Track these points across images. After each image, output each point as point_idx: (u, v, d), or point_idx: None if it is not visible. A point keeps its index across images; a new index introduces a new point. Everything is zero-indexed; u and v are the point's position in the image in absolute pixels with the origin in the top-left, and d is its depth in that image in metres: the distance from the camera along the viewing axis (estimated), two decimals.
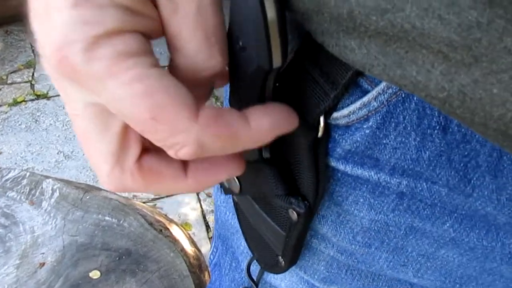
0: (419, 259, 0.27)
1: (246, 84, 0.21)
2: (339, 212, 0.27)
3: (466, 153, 0.21)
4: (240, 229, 0.35)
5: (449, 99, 0.16)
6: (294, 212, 0.26)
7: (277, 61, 0.19)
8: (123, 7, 0.17)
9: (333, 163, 0.25)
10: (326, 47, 0.19)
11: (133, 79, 0.17)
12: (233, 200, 0.34)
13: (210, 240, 1.54)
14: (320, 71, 0.21)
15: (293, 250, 0.29)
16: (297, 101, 0.22)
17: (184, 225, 1.54)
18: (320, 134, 0.23)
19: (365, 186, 0.25)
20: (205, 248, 1.50)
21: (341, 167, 0.25)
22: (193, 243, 1.03)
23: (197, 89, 0.20)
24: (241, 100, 0.22)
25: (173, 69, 0.20)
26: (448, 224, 0.24)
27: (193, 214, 1.62)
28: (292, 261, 0.31)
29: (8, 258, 0.81)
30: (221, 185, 0.30)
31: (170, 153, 0.19)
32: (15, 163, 1.75)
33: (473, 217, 0.24)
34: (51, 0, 0.17)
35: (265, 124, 0.20)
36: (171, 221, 1.03)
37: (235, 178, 0.28)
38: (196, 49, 0.19)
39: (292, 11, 0.19)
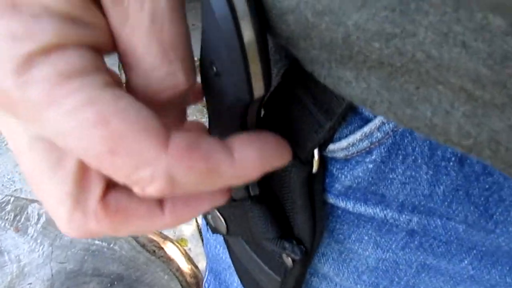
0: None
1: (224, 114, 0.18)
2: (341, 250, 0.24)
3: (487, 186, 0.19)
4: (232, 265, 0.32)
5: (477, 147, 0.13)
6: (289, 258, 0.23)
7: (258, 91, 0.16)
8: (61, 16, 0.14)
9: (332, 200, 0.22)
10: (317, 78, 0.16)
11: (80, 104, 0.14)
12: (224, 238, 0.31)
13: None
14: (313, 98, 0.18)
15: None
16: (286, 132, 0.19)
17: (180, 241, 1.51)
18: (315, 169, 0.20)
19: (370, 224, 0.22)
20: (202, 264, 1.46)
21: (341, 204, 0.22)
22: (189, 259, 1.00)
23: (166, 111, 0.16)
24: (220, 128, 0.19)
25: (131, 90, 0.16)
26: (466, 262, 0.22)
27: (188, 229, 1.59)
28: None
29: None
30: (207, 223, 0.27)
31: (136, 190, 0.15)
32: (2, 185, 1.70)
33: (495, 253, 0.21)
34: None
35: (252, 156, 0.16)
36: (165, 238, 1.00)
37: (221, 217, 0.25)
38: (151, 66, 0.15)
39: (274, 35, 0.16)
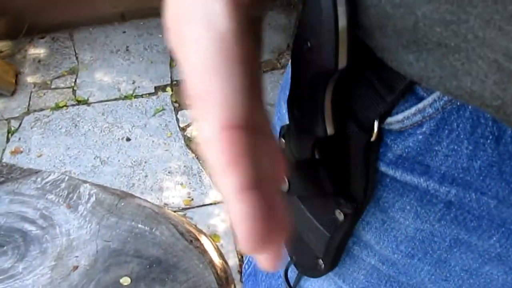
0: (462, 274, 0.26)
1: (308, 84, 0.22)
2: (384, 219, 0.27)
3: None
4: None
5: (503, 106, 0.17)
6: (341, 213, 0.26)
7: (342, 63, 0.20)
8: None
9: (383, 168, 0.25)
10: (385, 62, 0.20)
11: (197, 60, 0.18)
12: None
13: (237, 253, 1.54)
14: (378, 77, 0.22)
15: (335, 252, 0.29)
16: (353, 103, 0.23)
17: (213, 237, 1.55)
18: (373, 138, 0.23)
19: (413, 193, 0.25)
20: (232, 260, 1.49)
21: (390, 172, 0.25)
22: (221, 255, 1.03)
23: None
24: (300, 100, 0.23)
25: None
26: (494, 238, 0.24)
27: (222, 226, 1.62)
28: (332, 265, 0.31)
29: (43, 259, 0.83)
30: None
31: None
32: (54, 166, 1.81)
33: None
34: None
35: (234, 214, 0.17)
36: (200, 231, 1.04)
37: (284, 177, 0.28)
38: None
39: (358, 27, 0.20)
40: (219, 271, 0.96)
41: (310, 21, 0.20)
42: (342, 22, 0.19)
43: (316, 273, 0.32)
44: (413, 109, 0.22)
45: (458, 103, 0.21)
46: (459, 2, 0.16)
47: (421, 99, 0.22)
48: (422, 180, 0.24)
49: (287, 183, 0.28)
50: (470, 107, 0.21)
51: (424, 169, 0.23)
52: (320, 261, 0.30)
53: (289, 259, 0.35)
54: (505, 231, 0.23)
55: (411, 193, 0.25)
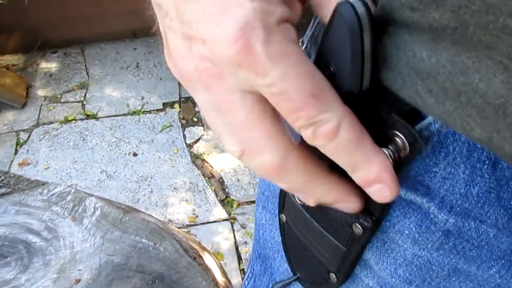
0: None
1: None
2: (385, 239, 0.27)
3: None
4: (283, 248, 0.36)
5: (505, 104, 0.17)
6: (359, 227, 0.26)
7: (366, 84, 0.21)
8: (283, 1, 0.20)
9: None
10: (388, 79, 0.21)
11: (299, 61, 0.19)
12: (280, 221, 0.35)
13: (241, 272, 1.52)
14: (385, 103, 0.23)
15: (350, 266, 0.29)
16: (364, 121, 0.24)
17: (216, 254, 1.54)
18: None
19: (415, 214, 0.25)
20: (236, 279, 1.48)
21: None
22: (224, 273, 1.02)
23: None
24: None
25: None
26: (494, 269, 0.24)
27: (225, 244, 1.61)
28: (346, 277, 0.31)
29: (46, 271, 0.83)
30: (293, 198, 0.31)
31: (308, 132, 0.20)
32: (60, 179, 1.81)
33: None
34: (229, 0, 0.19)
35: (372, 173, 0.21)
36: (204, 249, 1.03)
37: None
38: None
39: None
40: None
41: (333, 47, 0.21)
42: (367, 46, 0.20)
43: (327, 286, 0.32)
44: None
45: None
46: (457, 11, 0.17)
47: (419, 120, 0.22)
48: (425, 200, 0.24)
49: None
50: None
51: (425, 190, 0.24)
52: (333, 275, 0.30)
53: (291, 276, 0.35)
54: (505, 263, 0.23)
55: (413, 215, 0.25)
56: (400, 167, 0.23)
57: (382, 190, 0.21)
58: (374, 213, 0.26)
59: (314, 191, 0.23)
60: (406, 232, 0.25)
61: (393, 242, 0.26)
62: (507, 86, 0.17)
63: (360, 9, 0.20)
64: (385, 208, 0.26)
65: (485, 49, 0.17)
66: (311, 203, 0.24)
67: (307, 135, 0.20)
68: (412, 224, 0.25)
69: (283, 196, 0.32)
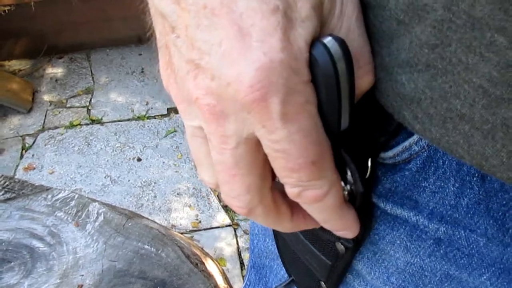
0: None
1: None
2: (375, 250, 0.27)
3: (504, 202, 0.21)
4: (279, 256, 0.36)
5: (493, 130, 0.17)
6: (342, 246, 0.27)
7: (344, 125, 0.20)
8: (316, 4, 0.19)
9: (374, 200, 0.25)
10: (379, 91, 0.21)
11: (310, 127, 0.19)
12: (273, 230, 0.36)
13: (243, 278, 1.52)
14: (372, 119, 0.23)
15: (338, 277, 0.30)
16: (352, 145, 0.24)
17: (219, 260, 1.54)
18: (367, 175, 0.24)
19: (403, 227, 0.25)
20: (238, 286, 1.48)
21: (381, 204, 0.25)
22: (226, 279, 1.02)
23: None
24: None
25: None
26: (485, 277, 0.24)
27: (228, 250, 1.61)
28: (335, 286, 0.32)
29: (49, 276, 0.83)
30: None
31: (294, 190, 0.20)
32: (65, 183, 1.82)
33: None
34: (253, 43, 0.17)
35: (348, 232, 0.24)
36: (206, 255, 1.03)
37: None
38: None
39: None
40: None
41: (316, 88, 0.20)
42: (345, 91, 0.19)
43: None
44: (400, 147, 0.23)
45: None
46: (439, 26, 0.16)
47: (408, 137, 0.22)
48: (412, 214, 0.24)
49: None
50: None
51: (413, 204, 0.24)
52: (323, 283, 0.31)
53: (287, 278, 0.36)
54: (495, 271, 0.24)
55: (401, 227, 0.25)
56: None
57: (345, 234, 0.24)
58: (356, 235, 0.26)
59: (277, 227, 0.24)
60: (398, 242, 0.26)
61: (384, 252, 0.27)
62: (490, 111, 0.16)
63: (336, 51, 0.18)
64: (366, 232, 0.26)
65: (463, 71, 0.16)
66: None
67: (292, 192, 0.20)
68: (403, 235, 0.25)
69: None
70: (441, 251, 0.24)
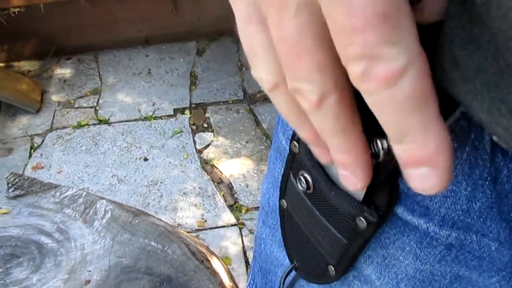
0: None
1: None
2: (385, 255, 0.27)
3: None
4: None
5: None
6: (364, 221, 0.24)
7: None
8: None
9: None
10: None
11: None
12: (280, 207, 0.33)
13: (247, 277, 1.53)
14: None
15: (350, 260, 0.28)
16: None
17: (224, 259, 1.55)
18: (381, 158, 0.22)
19: (413, 233, 0.25)
20: (243, 284, 1.48)
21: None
22: (231, 278, 1.03)
23: None
24: None
25: None
26: (495, 279, 0.24)
27: (233, 249, 1.62)
28: (345, 271, 0.29)
29: (57, 272, 0.85)
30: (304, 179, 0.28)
31: (358, 67, 0.15)
32: (72, 183, 1.84)
33: None
34: None
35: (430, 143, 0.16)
36: (212, 253, 1.04)
37: (309, 178, 0.27)
38: None
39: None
40: None
41: None
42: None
43: (324, 279, 0.31)
44: None
45: (456, 145, 0.21)
46: None
47: None
48: (422, 221, 0.24)
49: (311, 183, 0.27)
50: (467, 149, 0.21)
51: (423, 211, 0.23)
52: (331, 267, 0.30)
53: (289, 266, 0.35)
54: (506, 275, 0.23)
55: (411, 233, 0.24)
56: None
57: (428, 177, 0.16)
58: (380, 207, 0.24)
59: (334, 143, 0.18)
60: (407, 248, 0.25)
61: (394, 258, 0.26)
62: None
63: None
64: (392, 203, 0.24)
65: None
66: (322, 159, 0.21)
67: (355, 71, 0.15)
68: (413, 241, 0.25)
69: (285, 182, 0.31)
70: (452, 255, 0.24)
